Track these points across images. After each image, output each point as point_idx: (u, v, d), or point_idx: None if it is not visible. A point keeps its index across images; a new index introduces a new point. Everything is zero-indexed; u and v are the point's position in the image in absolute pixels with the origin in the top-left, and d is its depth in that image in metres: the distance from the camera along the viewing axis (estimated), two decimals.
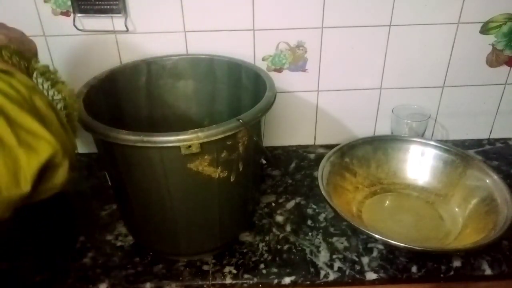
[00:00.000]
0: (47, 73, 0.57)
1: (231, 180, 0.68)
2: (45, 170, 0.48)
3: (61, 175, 0.50)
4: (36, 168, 0.46)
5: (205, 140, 0.60)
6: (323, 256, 0.78)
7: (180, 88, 0.91)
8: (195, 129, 0.59)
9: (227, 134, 0.61)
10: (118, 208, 0.85)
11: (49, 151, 0.47)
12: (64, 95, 0.57)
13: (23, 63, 0.54)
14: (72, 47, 0.93)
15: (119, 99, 0.85)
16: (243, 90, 0.87)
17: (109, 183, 0.76)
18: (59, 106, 0.57)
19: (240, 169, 0.68)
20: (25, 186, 0.45)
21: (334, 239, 0.81)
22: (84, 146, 1.04)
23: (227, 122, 0.62)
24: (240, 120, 0.62)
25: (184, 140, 0.59)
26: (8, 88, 0.46)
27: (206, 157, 0.63)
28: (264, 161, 0.95)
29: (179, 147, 0.59)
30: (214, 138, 0.60)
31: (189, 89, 0.92)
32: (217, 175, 0.65)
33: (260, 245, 0.80)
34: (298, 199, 0.91)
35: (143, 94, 0.89)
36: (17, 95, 0.46)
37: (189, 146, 0.59)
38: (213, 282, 0.73)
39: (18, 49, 0.54)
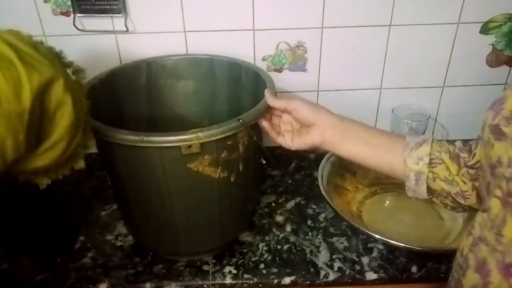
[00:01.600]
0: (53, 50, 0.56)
1: (231, 180, 0.68)
2: (53, 111, 0.49)
3: (67, 112, 0.50)
4: (37, 84, 0.46)
5: (206, 140, 0.60)
6: (323, 256, 0.78)
7: (180, 88, 0.91)
8: (196, 129, 0.59)
9: (227, 134, 0.61)
10: (118, 208, 0.85)
11: (50, 73, 0.48)
12: (73, 70, 0.57)
13: None
14: (72, 47, 0.92)
15: (119, 99, 0.85)
16: (243, 90, 0.87)
17: (109, 183, 0.76)
18: None
19: (241, 169, 0.68)
20: (26, 102, 0.45)
21: (334, 239, 0.81)
22: None
23: (227, 122, 0.62)
24: (240, 120, 0.62)
25: (184, 140, 0.59)
26: (10, 31, 0.48)
27: (206, 157, 0.63)
28: (264, 161, 0.95)
29: (179, 147, 0.59)
30: (215, 138, 0.60)
31: (189, 89, 0.92)
32: (217, 175, 0.65)
33: (260, 245, 0.80)
34: (298, 199, 0.91)
35: (143, 94, 0.89)
36: (19, 35, 0.49)
37: (190, 146, 0.59)
38: (213, 282, 0.73)
39: None
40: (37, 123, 0.47)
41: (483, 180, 0.51)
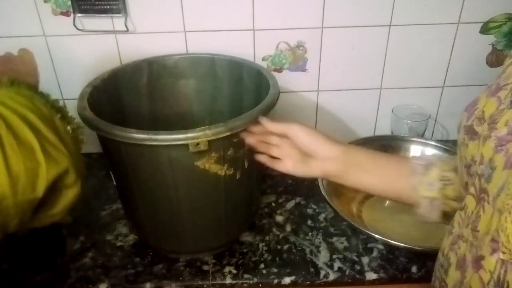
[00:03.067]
0: (56, 104, 0.57)
1: (237, 177, 0.68)
2: (62, 189, 0.51)
3: (74, 192, 0.52)
4: (52, 176, 0.48)
5: (213, 137, 0.60)
6: (323, 256, 0.78)
7: (181, 87, 0.91)
8: (203, 127, 0.60)
9: (234, 131, 0.62)
10: (123, 206, 0.84)
11: (66, 164, 0.50)
12: (73, 127, 0.58)
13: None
14: (72, 47, 0.93)
15: (121, 99, 0.85)
16: (244, 88, 0.87)
17: (114, 182, 0.76)
18: None
19: (245, 167, 0.69)
20: (40, 191, 0.47)
21: (334, 239, 0.81)
22: (83, 146, 1.04)
23: (234, 119, 0.62)
24: None
25: (192, 138, 0.59)
26: (32, 105, 0.49)
27: (213, 154, 0.63)
28: None
29: (187, 145, 0.60)
30: (222, 135, 0.61)
31: (190, 88, 0.92)
32: (224, 173, 0.66)
33: (260, 245, 0.80)
34: (298, 199, 0.91)
35: (144, 93, 0.89)
36: (41, 112, 0.50)
37: (197, 144, 0.60)
38: (213, 282, 0.73)
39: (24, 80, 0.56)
40: (45, 197, 0.49)
41: (461, 182, 0.51)
